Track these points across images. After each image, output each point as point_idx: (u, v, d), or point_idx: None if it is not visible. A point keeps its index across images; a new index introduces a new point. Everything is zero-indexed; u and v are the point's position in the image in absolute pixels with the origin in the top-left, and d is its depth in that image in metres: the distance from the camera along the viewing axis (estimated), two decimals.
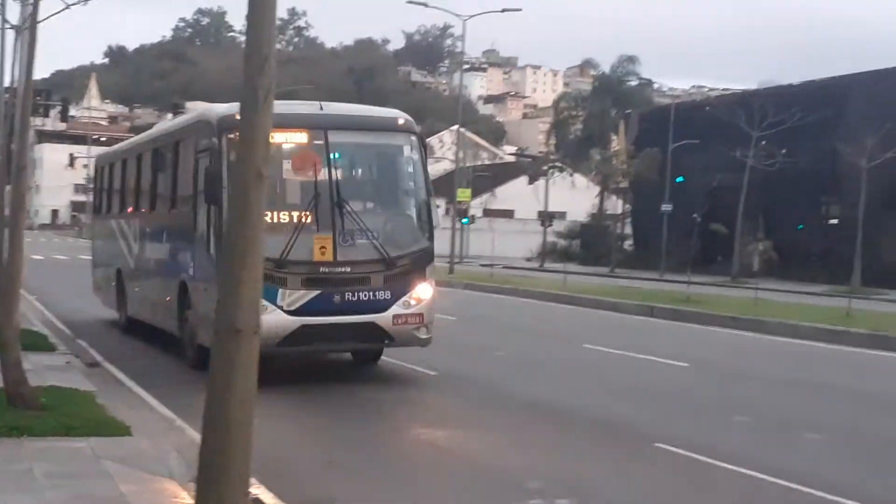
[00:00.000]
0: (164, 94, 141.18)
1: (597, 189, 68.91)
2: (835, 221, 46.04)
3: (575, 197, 71.18)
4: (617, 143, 65.72)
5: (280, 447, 9.47)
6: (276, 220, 12.33)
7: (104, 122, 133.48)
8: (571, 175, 69.32)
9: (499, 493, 8.37)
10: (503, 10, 49.00)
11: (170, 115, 68.59)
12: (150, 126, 51.73)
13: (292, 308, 12.33)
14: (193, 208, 13.73)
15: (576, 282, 35.12)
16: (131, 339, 18.01)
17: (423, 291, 13.07)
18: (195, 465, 5.57)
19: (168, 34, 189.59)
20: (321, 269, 12.59)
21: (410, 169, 13.78)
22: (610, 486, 8.71)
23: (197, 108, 16.87)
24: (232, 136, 11.49)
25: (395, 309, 12.80)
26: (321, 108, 13.63)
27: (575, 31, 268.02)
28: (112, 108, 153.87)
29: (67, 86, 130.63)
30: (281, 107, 14.98)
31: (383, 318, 12.74)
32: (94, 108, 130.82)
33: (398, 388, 13.50)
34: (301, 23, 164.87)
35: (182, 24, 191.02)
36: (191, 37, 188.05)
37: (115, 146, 24.51)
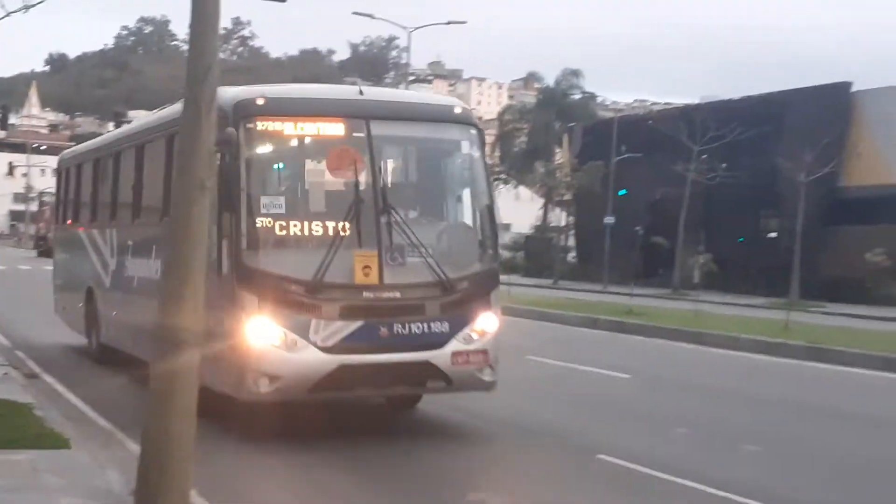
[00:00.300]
0: (106, 103, 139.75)
1: (541, 201, 69.36)
2: (774, 235, 46.74)
3: (519, 209, 71.56)
4: (561, 155, 65.87)
5: (222, 460, 9.34)
6: (306, 233, 10.14)
7: (44, 131, 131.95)
8: (516, 187, 69.66)
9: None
10: (448, 23, 49.23)
11: (111, 125, 67.72)
12: (92, 135, 50.80)
13: (328, 344, 9.82)
14: None
15: (520, 293, 35.20)
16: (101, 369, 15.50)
17: (487, 323, 10.59)
18: (135, 479, 5.52)
19: (110, 42, 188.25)
20: (364, 295, 10.06)
21: (470, 169, 11.23)
22: (552, 497, 8.75)
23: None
24: (252, 125, 10.04)
25: (455, 344, 10.30)
26: (361, 93, 10.99)
27: (519, 44, 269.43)
28: (53, 116, 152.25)
29: (7, 93, 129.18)
30: (311, 91, 12.05)
31: (440, 357, 10.22)
32: (34, 116, 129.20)
33: None
34: (246, 32, 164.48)
35: (125, 33, 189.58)
36: (133, 45, 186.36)
37: (87, 143, 20.67)
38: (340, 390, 10.27)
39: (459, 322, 10.38)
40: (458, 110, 11.21)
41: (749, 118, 41.23)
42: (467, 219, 11.30)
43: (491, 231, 10.98)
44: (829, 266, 40.35)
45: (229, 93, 10.46)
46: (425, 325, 10.22)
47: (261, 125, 10.15)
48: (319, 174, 10.95)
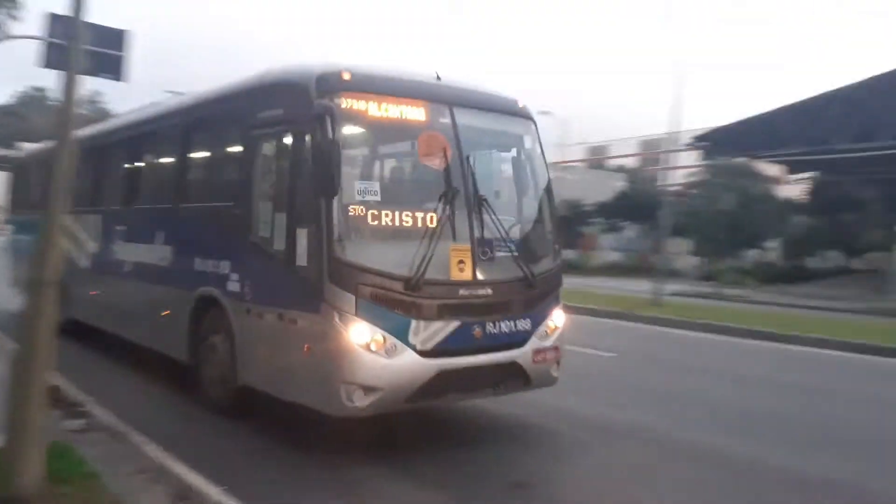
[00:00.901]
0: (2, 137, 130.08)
1: None
2: None
3: None
4: None
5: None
6: (398, 224, 6.83)
7: None
8: None
9: None
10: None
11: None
12: None
13: (427, 347, 6.71)
14: (247, 204, 7.52)
15: None
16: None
17: (558, 318, 7.79)
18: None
19: (12, 100, 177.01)
20: (460, 292, 6.99)
21: (536, 164, 8.24)
22: None
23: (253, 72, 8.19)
24: (339, 101, 6.66)
25: (534, 342, 7.45)
26: (438, 78, 7.73)
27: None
28: None
29: None
30: (392, 71, 7.78)
31: (524, 355, 7.35)
32: None
33: None
34: (100, 98, 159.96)
35: (22, 93, 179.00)
36: (29, 102, 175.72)
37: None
38: (433, 398, 6.95)
39: (538, 319, 7.55)
40: (521, 104, 8.27)
41: None
42: (539, 214, 8.25)
43: (555, 227, 8.22)
44: None
45: (304, 67, 7.20)
46: (512, 323, 7.34)
47: (346, 102, 6.78)
48: (408, 160, 7.79)
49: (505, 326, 7.22)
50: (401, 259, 6.64)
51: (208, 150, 8.96)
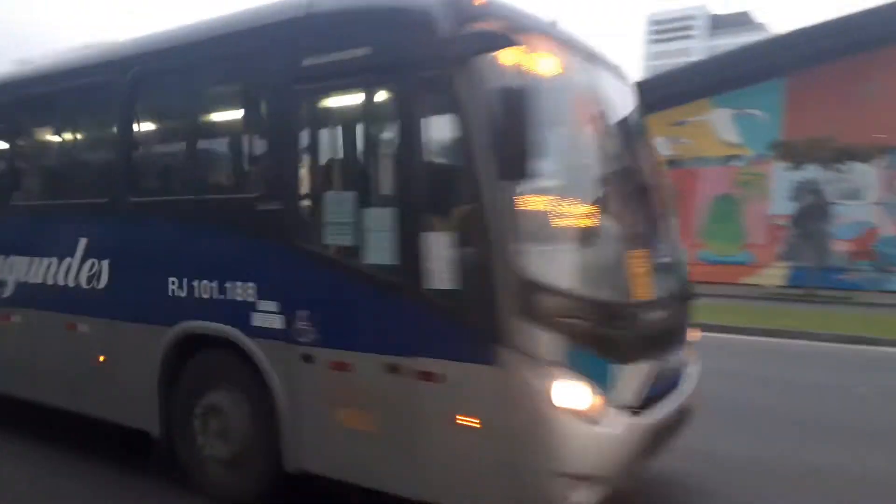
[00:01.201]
0: None
1: None
2: None
3: None
4: None
5: None
6: (581, 224, 4.21)
7: None
8: None
9: None
10: None
11: None
12: None
13: (638, 400, 4.13)
14: (291, 194, 4.45)
15: None
16: None
17: (693, 336, 5.17)
18: None
19: None
20: (648, 318, 4.34)
21: (649, 140, 5.31)
22: None
23: None
24: (489, 37, 3.84)
25: (688, 373, 4.94)
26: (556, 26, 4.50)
27: None
28: None
29: None
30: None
31: (687, 392, 4.77)
32: None
33: None
34: None
35: None
36: None
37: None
38: (629, 471, 4.18)
39: (687, 341, 5.05)
40: (625, 71, 5.40)
41: None
42: (670, 204, 5.36)
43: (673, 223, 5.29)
44: None
45: None
46: (681, 354, 4.90)
47: (494, 41, 3.90)
48: (567, 131, 4.75)
49: (679, 359, 4.83)
50: (592, 276, 4.17)
51: (191, 117, 5.27)
